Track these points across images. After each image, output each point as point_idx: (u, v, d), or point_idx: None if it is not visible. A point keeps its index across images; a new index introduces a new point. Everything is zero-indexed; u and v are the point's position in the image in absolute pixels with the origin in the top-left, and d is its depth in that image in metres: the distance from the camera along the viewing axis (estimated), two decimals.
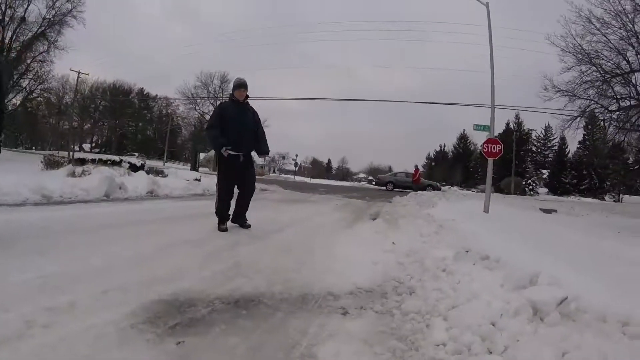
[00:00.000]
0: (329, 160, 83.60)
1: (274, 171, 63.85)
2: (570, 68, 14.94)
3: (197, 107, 40.65)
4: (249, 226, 4.53)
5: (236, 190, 4.57)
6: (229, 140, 4.33)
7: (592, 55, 14.37)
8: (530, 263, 2.27)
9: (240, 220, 4.58)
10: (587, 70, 14.77)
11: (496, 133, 10.48)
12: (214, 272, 2.61)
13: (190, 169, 30.56)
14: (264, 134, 4.71)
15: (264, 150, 4.66)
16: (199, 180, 11.59)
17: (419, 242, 4.00)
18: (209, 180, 11.35)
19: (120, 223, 4.33)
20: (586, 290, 1.93)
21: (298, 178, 49.37)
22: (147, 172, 11.79)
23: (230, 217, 4.51)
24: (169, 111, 53.70)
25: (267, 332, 1.84)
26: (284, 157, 66.30)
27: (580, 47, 14.37)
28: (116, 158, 13.59)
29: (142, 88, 57.62)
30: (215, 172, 4.85)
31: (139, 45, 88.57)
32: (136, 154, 36.24)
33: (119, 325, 1.72)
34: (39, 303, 1.85)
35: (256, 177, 4.96)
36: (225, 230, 4.29)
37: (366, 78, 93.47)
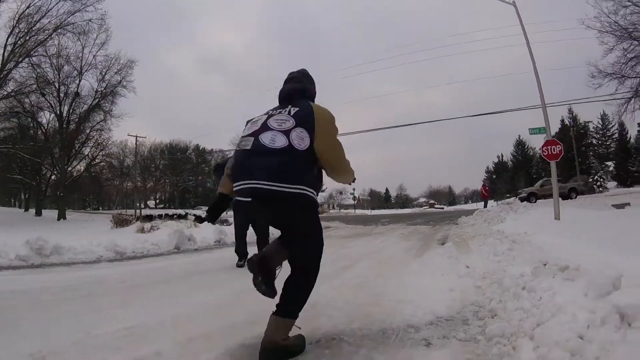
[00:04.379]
0: (387, 190, 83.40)
1: (333, 207, 63.72)
2: (612, 48, 14.22)
3: None
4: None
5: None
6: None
7: (631, 29, 13.64)
8: (611, 266, 2.11)
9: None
10: (630, 46, 14.00)
11: (552, 132, 9.89)
12: None
13: None
14: None
15: None
16: None
17: (493, 262, 3.92)
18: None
19: (194, 272, 4.60)
20: None
21: (358, 211, 49.14)
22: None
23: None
24: None
25: None
26: (341, 193, 66.45)
27: (616, 24, 13.70)
28: (182, 212, 14.36)
29: (198, 144, 62.09)
30: None
31: (189, 105, 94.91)
32: (202, 208, 38.26)
33: None
34: (127, 353, 1.93)
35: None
36: (241, 266, 4.76)
37: (407, 101, 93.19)
